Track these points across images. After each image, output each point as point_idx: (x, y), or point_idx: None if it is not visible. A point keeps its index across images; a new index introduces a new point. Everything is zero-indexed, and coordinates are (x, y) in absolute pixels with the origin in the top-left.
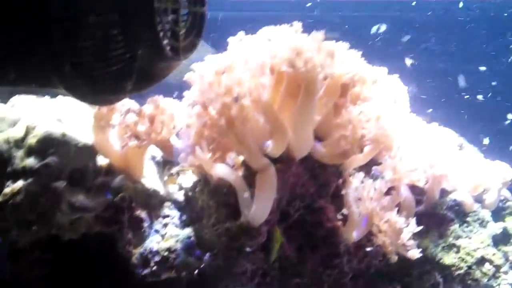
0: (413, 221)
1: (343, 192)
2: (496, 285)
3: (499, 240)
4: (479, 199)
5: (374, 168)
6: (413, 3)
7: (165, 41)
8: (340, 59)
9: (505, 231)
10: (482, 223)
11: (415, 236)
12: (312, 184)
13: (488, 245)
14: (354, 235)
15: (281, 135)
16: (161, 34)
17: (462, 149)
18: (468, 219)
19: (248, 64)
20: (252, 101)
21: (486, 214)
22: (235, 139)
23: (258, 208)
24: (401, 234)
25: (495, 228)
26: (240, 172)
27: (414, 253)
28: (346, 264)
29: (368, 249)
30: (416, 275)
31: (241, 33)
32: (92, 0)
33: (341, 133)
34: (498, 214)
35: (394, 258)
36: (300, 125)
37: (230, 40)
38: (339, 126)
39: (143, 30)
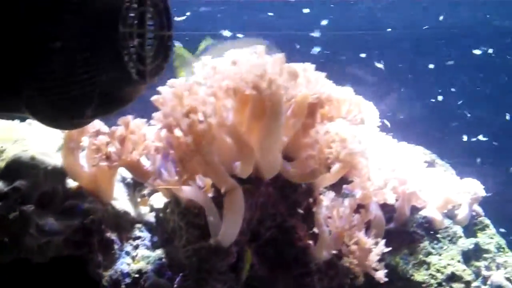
0: (382, 241)
1: (313, 211)
2: None
3: (472, 255)
4: (451, 215)
5: (344, 187)
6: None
7: (131, 65)
8: (306, 80)
9: (477, 247)
10: (453, 239)
11: (386, 253)
12: (283, 204)
13: (459, 261)
14: (325, 254)
15: (248, 156)
16: (127, 58)
17: (433, 165)
18: (438, 235)
19: (212, 88)
20: (217, 123)
21: (457, 230)
22: (202, 160)
23: (227, 229)
24: (370, 254)
25: (467, 243)
26: (210, 194)
27: (381, 276)
28: (318, 283)
29: (339, 268)
30: None
31: (207, 57)
32: (56, 26)
33: (309, 153)
34: (470, 229)
35: (361, 280)
36: (267, 146)
37: (195, 64)
38: (307, 146)
39: (109, 55)
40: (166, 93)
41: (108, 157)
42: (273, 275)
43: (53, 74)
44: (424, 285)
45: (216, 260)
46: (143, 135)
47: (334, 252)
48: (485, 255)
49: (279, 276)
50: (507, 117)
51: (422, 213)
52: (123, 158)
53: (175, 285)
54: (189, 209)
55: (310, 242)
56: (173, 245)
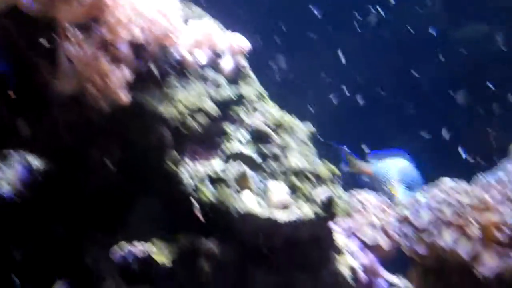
0: (125, 71)
1: (56, 46)
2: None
3: (235, 102)
4: (214, 66)
5: (93, 24)
6: None
7: None
8: None
9: (238, 95)
10: (206, 80)
11: (134, 91)
12: (22, 39)
13: (205, 97)
14: (68, 88)
15: None
16: None
17: (201, 18)
18: (188, 74)
19: None
20: None
21: (219, 79)
22: None
23: None
24: (113, 82)
25: (228, 90)
26: None
27: (124, 98)
28: (61, 117)
29: (85, 102)
30: (138, 128)
31: None
32: None
33: None
34: (233, 79)
35: (106, 108)
36: None
37: None
38: None
39: None
40: None
41: None
42: (12, 114)
43: None
44: (171, 119)
45: None
46: None
47: (79, 86)
48: (245, 102)
49: (20, 113)
50: None
51: (173, 52)
52: None
53: None
54: None
55: (52, 77)
56: None
